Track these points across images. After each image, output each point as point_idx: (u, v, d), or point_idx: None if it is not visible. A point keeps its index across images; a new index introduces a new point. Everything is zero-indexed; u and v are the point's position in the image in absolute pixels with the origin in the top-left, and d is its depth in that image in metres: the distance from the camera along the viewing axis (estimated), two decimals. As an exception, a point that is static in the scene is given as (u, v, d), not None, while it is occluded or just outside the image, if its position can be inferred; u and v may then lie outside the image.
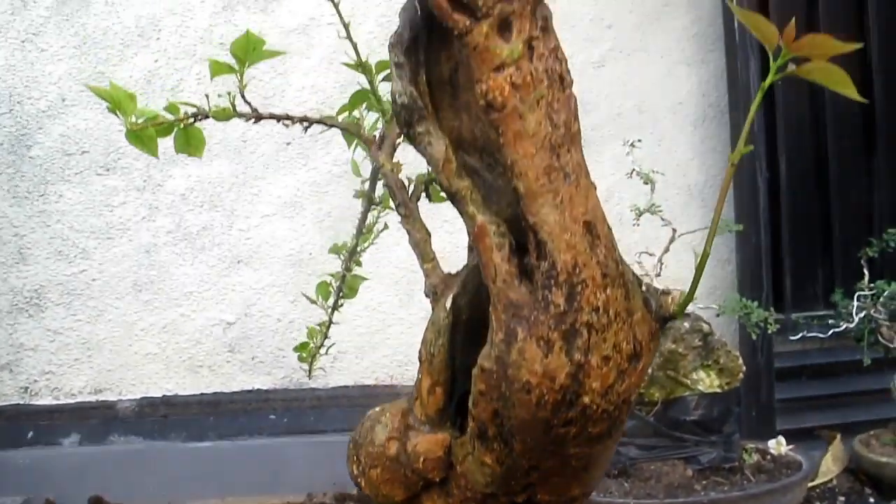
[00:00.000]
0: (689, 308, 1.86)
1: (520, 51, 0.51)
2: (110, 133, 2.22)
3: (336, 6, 0.83)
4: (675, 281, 2.42)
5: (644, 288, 0.66)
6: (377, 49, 2.13)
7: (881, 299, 1.91)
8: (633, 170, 1.80)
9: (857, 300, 1.94)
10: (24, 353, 2.21)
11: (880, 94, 2.36)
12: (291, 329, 2.27)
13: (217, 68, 0.90)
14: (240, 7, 2.27)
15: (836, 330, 1.93)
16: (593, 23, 2.42)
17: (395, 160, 0.75)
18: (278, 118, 0.90)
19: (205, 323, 2.26)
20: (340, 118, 0.93)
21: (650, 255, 1.91)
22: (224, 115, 0.88)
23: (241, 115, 0.89)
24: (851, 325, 1.92)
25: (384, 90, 0.90)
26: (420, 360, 0.70)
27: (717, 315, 1.96)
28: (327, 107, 2.26)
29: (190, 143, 0.90)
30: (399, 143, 0.79)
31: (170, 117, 0.88)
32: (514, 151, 0.53)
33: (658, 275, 1.93)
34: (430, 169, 0.65)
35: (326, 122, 0.86)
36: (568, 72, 0.57)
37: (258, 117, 0.90)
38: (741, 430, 2.27)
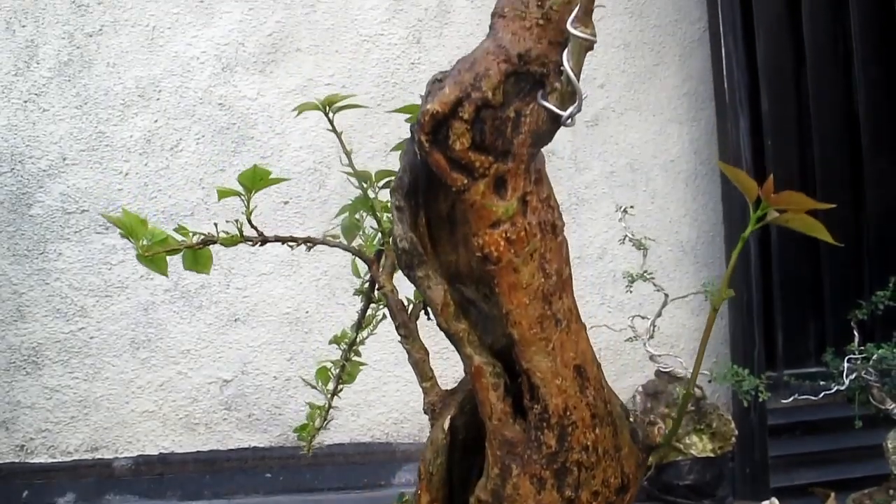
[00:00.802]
0: (682, 372, 1.88)
1: (514, 208, 0.54)
2: (110, 192, 2.26)
3: (339, 136, 0.85)
4: (668, 337, 2.45)
5: (632, 419, 0.68)
6: (373, 110, 2.17)
7: (871, 361, 1.93)
8: (626, 236, 1.82)
9: (848, 362, 1.95)
10: (20, 411, 2.22)
11: (868, 154, 2.40)
12: (288, 387, 2.29)
13: (223, 193, 0.92)
14: (239, 68, 2.31)
15: (828, 392, 1.95)
16: (586, 82, 2.43)
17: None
18: (283, 240, 0.92)
19: (202, 381, 2.27)
20: (340, 219, 0.94)
21: (643, 318, 1.94)
22: (231, 242, 0.91)
23: (247, 240, 0.91)
24: (843, 388, 1.94)
25: (384, 196, 0.92)
26: (419, 477, 0.72)
27: (709, 381, 1.98)
28: (324, 166, 2.31)
29: (198, 262, 0.93)
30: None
31: (179, 238, 0.90)
32: (508, 302, 0.56)
33: (651, 337, 1.96)
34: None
35: (329, 242, 0.88)
36: (560, 216, 0.60)
37: (264, 241, 0.92)
38: (734, 488, 2.29)
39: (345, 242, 0.88)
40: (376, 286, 0.86)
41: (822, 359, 2.16)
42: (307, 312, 2.29)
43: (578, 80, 0.57)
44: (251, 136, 2.31)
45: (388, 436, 2.33)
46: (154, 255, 0.87)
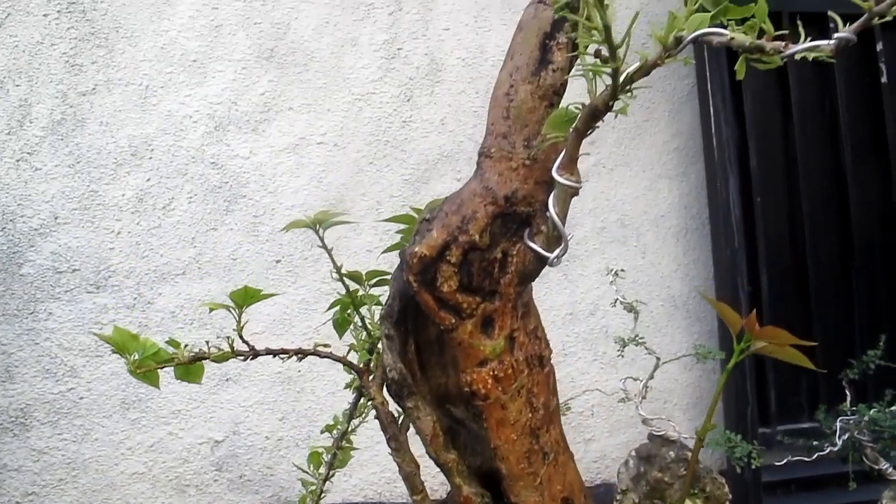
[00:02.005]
0: (675, 435, 1.88)
1: (502, 346, 0.54)
2: (101, 251, 2.25)
3: (329, 252, 0.86)
4: (661, 392, 2.44)
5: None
6: (365, 168, 2.18)
7: (863, 422, 1.93)
8: (617, 299, 1.82)
9: (840, 422, 1.95)
10: (7, 475, 2.19)
11: (856, 212, 2.41)
12: (280, 447, 2.28)
13: (213, 306, 0.92)
14: (231, 127, 2.32)
15: (821, 453, 1.95)
16: (577, 139, 2.48)
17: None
18: (274, 353, 0.92)
19: (192, 441, 2.25)
20: (332, 312, 0.94)
21: (635, 380, 1.94)
22: (223, 358, 0.91)
23: (238, 355, 0.91)
24: (836, 448, 1.93)
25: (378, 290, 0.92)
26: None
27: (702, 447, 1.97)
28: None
29: (189, 373, 0.92)
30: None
31: (171, 350, 0.90)
32: (496, 437, 0.56)
33: (643, 398, 1.95)
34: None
35: (320, 353, 0.88)
36: (547, 345, 0.60)
37: (255, 355, 0.92)
38: (730, 546, 2.28)
39: (335, 354, 0.88)
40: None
41: (815, 416, 2.17)
42: (299, 371, 2.28)
43: (564, 224, 0.58)
44: (243, 194, 2.31)
45: (380, 496, 2.31)
46: (146, 371, 0.86)
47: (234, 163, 2.31)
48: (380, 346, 0.81)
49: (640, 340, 1.79)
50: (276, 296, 1.03)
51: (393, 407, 0.77)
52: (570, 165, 0.56)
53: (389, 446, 0.73)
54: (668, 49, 0.53)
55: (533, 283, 0.64)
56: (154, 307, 2.26)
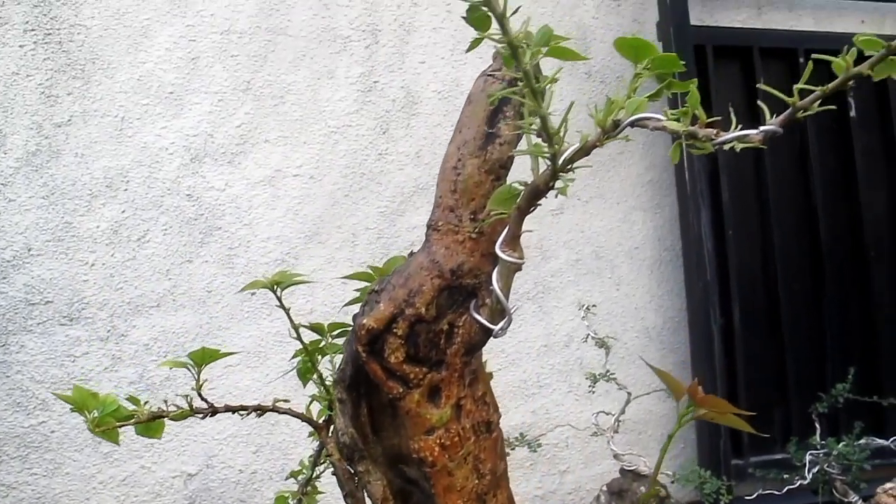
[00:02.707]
0: (646, 470, 1.89)
1: (448, 415, 0.55)
2: (75, 283, 2.25)
3: (287, 311, 0.87)
4: (635, 424, 2.45)
5: None
6: (340, 201, 2.17)
7: (832, 456, 1.95)
8: (588, 335, 1.84)
9: (810, 455, 1.97)
10: (-22, 509, 2.17)
11: (826, 245, 2.45)
12: (254, 480, 2.27)
13: (174, 364, 0.92)
14: (207, 159, 2.33)
15: (791, 487, 1.96)
16: (551, 171, 2.50)
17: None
18: (233, 410, 0.92)
19: (165, 475, 2.24)
20: (295, 361, 0.95)
21: (607, 414, 1.95)
22: (181, 416, 0.91)
23: (197, 413, 0.91)
24: (805, 482, 1.95)
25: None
26: None
27: (672, 482, 1.99)
28: (292, 257, 2.32)
29: (150, 430, 0.93)
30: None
31: (131, 407, 0.90)
32: (443, 503, 0.57)
33: (616, 432, 1.96)
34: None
35: (279, 410, 0.89)
36: (496, 410, 0.61)
37: (214, 412, 0.92)
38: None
39: (293, 410, 0.88)
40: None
41: (787, 448, 2.18)
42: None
43: (508, 298, 0.59)
44: (219, 226, 2.32)
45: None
46: (106, 429, 0.86)
47: (210, 195, 2.32)
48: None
49: (610, 376, 1.81)
50: (234, 354, 1.03)
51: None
52: (513, 242, 0.57)
53: (346, 502, 0.73)
54: (606, 132, 0.55)
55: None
56: (128, 340, 2.26)
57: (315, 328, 0.94)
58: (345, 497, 0.74)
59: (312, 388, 1.00)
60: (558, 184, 0.59)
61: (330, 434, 0.79)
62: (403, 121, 2.43)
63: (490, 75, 0.66)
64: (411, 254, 0.77)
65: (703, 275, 2.33)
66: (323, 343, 0.93)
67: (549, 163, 0.57)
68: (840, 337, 2.48)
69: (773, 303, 2.46)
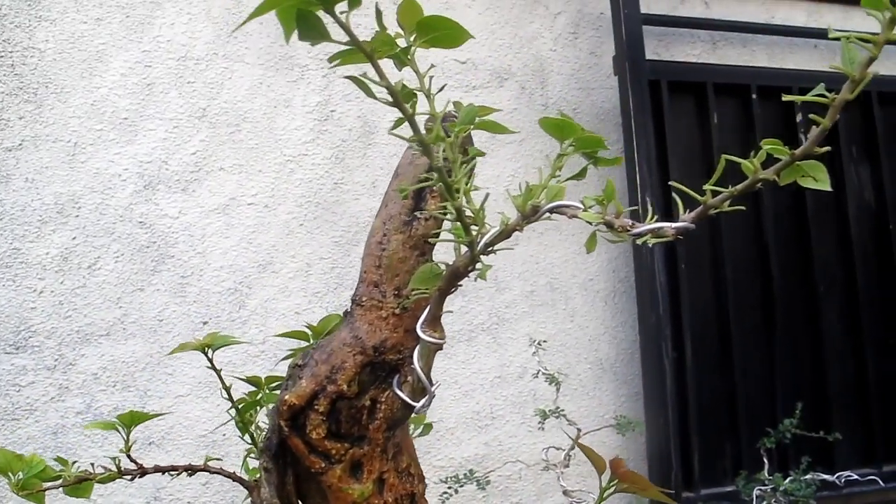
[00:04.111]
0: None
1: (370, 490, 0.55)
2: (23, 310, 2.20)
3: (218, 373, 0.86)
4: (586, 462, 2.46)
5: None
6: (295, 230, 2.15)
7: (779, 492, 1.97)
8: (539, 371, 1.85)
9: (758, 490, 1.99)
10: (-85, 543, 2.11)
11: (777, 279, 2.48)
12: (201, 512, 2.23)
13: (100, 426, 0.91)
14: (160, 186, 2.30)
15: (739, 522, 1.98)
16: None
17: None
18: (163, 470, 0.91)
19: (111, 508, 2.20)
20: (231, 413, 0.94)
21: (557, 449, 1.96)
22: (109, 479, 0.90)
23: (125, 475, 0.90)
24: (753, 517, 1.97)
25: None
26: None
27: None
28: (245, 286, 2.30)
29: (78, 490, 0.91)
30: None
31: (57, 468, 0.88)
32: (366, 581, 0.56)
33: (566, 466, 1.97)
34: None
35: (210, 469, 0.88)
36: (421, 480, 0.61)
37: (143, 473, 0.91)
38: None
39: (225, 470, 0.87)
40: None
41: (736, 483, 2.20)
42: (224, 435, 2.25)
43: (429, 378, 0.59)
44: (171, 254, 2.29)
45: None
46: (30, 486, 0.84)
47: (163, 222, 2.29)
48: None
49: (560, 412, 1.81)
50: (163, 415, 1.01)
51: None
52: (434, 322, 0.58)
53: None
54: (526, 216, 0.55)
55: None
56: (76, 369, 2.22)
57: (251, 381, 0.93)
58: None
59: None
60: (478, 266, 0.59)
61: (260, 495, 0.78)
62: (360, 150, 2.43)
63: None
64: (346, 314, 0.77)
65: (656, 308, 2.35)
66: (260, 395, 0.92)
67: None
68: (790, 372, 2.52)
69: (725, 337, 2.49)
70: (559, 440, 2.19)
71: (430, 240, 0.65)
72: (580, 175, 0.56)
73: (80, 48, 2.29)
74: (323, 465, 0.55)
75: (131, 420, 0.88)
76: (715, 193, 0.51)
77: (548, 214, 0.55)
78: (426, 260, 0.67)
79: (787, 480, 1.95)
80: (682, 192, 0.52)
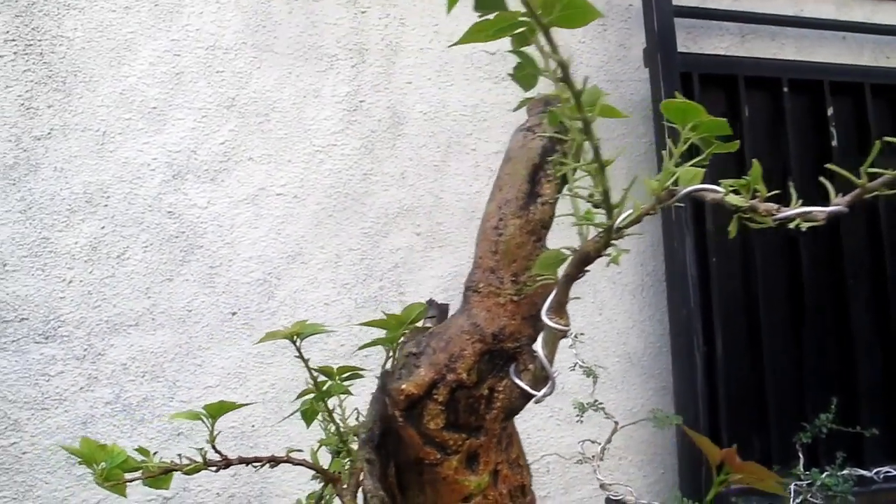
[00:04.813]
0: (632, 500, 1.88)
1: (486, 481, 0.54)
2: (52, 300, 2.19)
3: (306, 363, 0.84)
4: (616, 449, 2.45)
5: None
6: (325, 221, 2.14)
7: (816, 486, 1.95)
8: (576, 363, 1.83)
9: (794, 486, 1.98)
10: (-55, 532, 2.11)
11: (807, 273, 2.47)
12: (232, 503, 2.23)
13: (185, 416, 0.89)
14: (189, 176, 2.29)
15: (775, 517, 1.97)
16: (536, 195, 2.50)
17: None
18: (246, 461, 0.89)
19: (140, 498, 2.19)
20: (300, 402, 0.93)
21: (592, 442, 1.94)
22: (195, 470, 0.88)
23: (210, 466, 0.88)
24: (789, 512, 1.96)
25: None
26: None
27: (660, 513, 1.99)
28: (274, 277, 2.28)
29: (158, 482, 0.89)
30: (363, 481, 0.80)
31: (139, 458, 0.87)
32: (480, 575, 0.55)
33: (601, 459, 1.96)
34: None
35: (293, 461, 0.86)
36: (529, 472, 0.59)
37: (227, 464, 0.89)
38: None
39: (307, 461, 0.86)
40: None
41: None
42: (253, 426, 2.24)
43: (552, 365, 0.58)
44: (200, 244, 2.28)
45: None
46: (112, 477, 0.83)
47: (192, 212, 2.28)
48: (353, 446, 0.80)
49: (598, 406, 1.80)
50: (247, 406, 1.00)
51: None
52: (559, 309, 0.56)
53: (363, 559, 0.71)
54: (661, 200, 0.54)
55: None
56: (105, 359, 2.21)
57: (324, 371, 0.92)
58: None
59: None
60: (610, 251, 0.57)
61: (345, 486, 0.77)
62: (389, 141, 2.41)
63: (529, 130, 0.64)
64: (430, 303, 0.75)
65: (687, 302, 2.34)
66: (327, 386, 0.90)
67: (599, 229, 0.56)
68: (819, 365, 2.50)
69: (755, 330, 2.47)
70: (587, 433, 2.18)
71: (547, 224, 0.64)
72: (703, 160, 0.54)
73: (109, 37, 2.28)
74: (438, 456, 0.54)
75: (219, 410, 0.86)
76: (872, 177, 0.50)
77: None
78: (542, 246, 0.66)
79: (825, 475, 1.93)
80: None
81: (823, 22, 2.85)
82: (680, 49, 2.56)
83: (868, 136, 2.66)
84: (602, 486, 1.86)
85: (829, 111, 2.63)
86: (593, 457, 1.89)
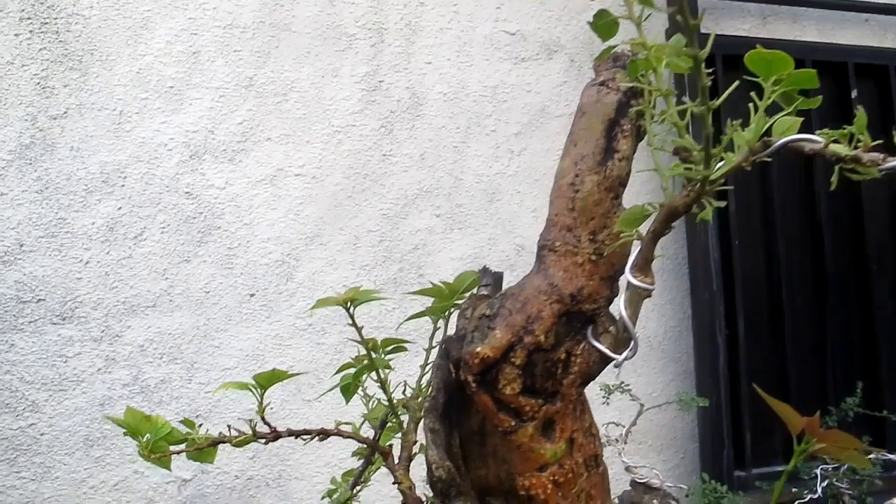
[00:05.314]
0: (657, 483, 1.86)
1: (563, 450, 0.51)
2: (69, 281, 2.17)
3: (359, 331, 0.81)
4: (636, 433, 2.42)
5: None
6: (343, 202, 2.11)
7: (842, 470, 1.93)
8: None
9: (820, 470, 1.96)
10: (-38, 513, 2.10)
11: (830, 255, 2.44)
12: (250, 486, 2.21)
13: (234, 386, 0.87)
14: (207, 156, 2.26)
15: (801, 501, 1.94)
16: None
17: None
18: (296, 434, 0.87)
19: (159, 480, 2.17)
20: (339, 377, 0.90)
21: (616, 425, 1.92)
22: (244, 443, 0.85)
23: (259, 438, 0.85)
24: (815, 496, 1.94)
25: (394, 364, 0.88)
26: None
27: (686, 496, 1.96)
28: (293, 258, 2.26)
29: (202, 453, 0.87)
30: (415, 455, 0.77)
31: (184, 430, 0.84)
32: (554, 545, 0.53)
33: (625, 442, 1.93)
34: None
35: (343, 434, 0.84)
36: (600, 441, 0.57)
37: (276, 437, 0.87)
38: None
39: (360, 435, 0.83)
40: (376, 454, 0.82)
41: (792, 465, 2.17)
42: (271, 409, 2.21)
43: (634, 326, 0.56)
44: (218, 226, 2.25)
45: (352, 537, 2.26)
46: (159, 456, 0.80)
47: (209, 193, 2.26)
48: (405, 425, 0.77)
49: (625, 388, 1.78)
50: (301, 374, 0.98)
51: (420, 491, 0.73)
52: (645, 267, 0.54)
53: (416, 533, 0.69)
54: (754, 152, 0.51)
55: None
56: (122, 340, 2.19)
57: (367, 344, 0.89)
58: (415, 528, 0.69)
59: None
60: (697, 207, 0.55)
61: (397, 461, 0.74)
62: (408, 122, 2.38)
63: (602, 84, 0.62)
64: (483, 270, 0.73)
65: (710, 284, 2.31)
66: (372, 358, 0.88)
67: (686, 183, 0.53)
68: (841, 350, 2.48)
69: (777, 314, 2.45)
70: (611, 416, 2.16)
71: (625, 181, 0.61)
72: (792, 112, 0.52)
73: (126, 15, 2.25)
74: (513, 423, 0.51)
75: (269, 380, 0.84)
76: None
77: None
78: (620, 203, 0.64)
79: (851, 459, 1.91)
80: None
81: (845, 4, 2.81)
82: (702, 30, 2.52)
83: (892, 117, 2.63)
84: (627, 469, 1.83)
85: (853, 93, 2.59)
86: (617, 439, 1.86)
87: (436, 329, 0.80)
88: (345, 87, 2.35)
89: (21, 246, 2.17)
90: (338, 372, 0.92)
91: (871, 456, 2.01)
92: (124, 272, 2.20)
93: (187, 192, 2.24)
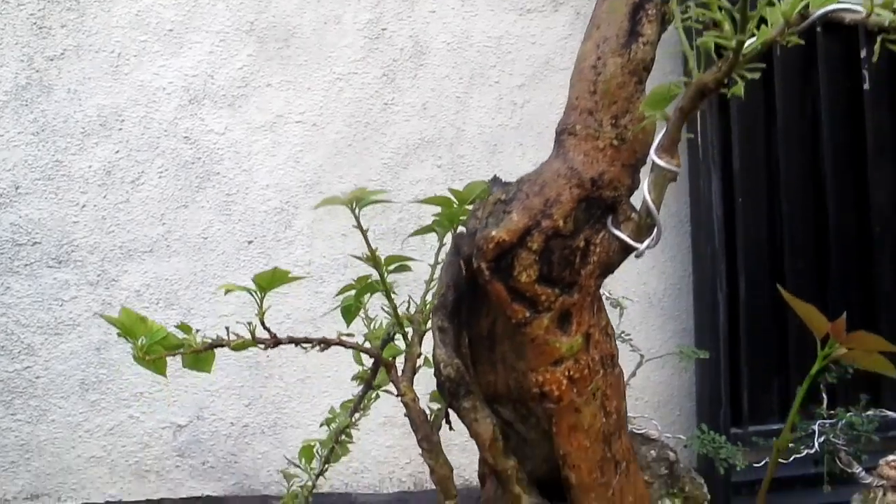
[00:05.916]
0: (655, 434, 1.86)
1: (579, 344, 0.50)
2: (65, 224, 2.15)
3: (364, 233, 0.79)
4: (633, 390, 2.42)
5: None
6: (343, 150, 2.10)
7: (839, 426, 1.93)
8: (604, 294, 1.79)
9: (818, 425, 1.95)
10: (-43, 454, 2.09)
11: (833, 214, 2.42)
12: (245, 433, 2.21)
13: (232, 288, 0.85)
14: (206, 101, 2.23)
15: (798, 456, 1.94)
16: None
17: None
18: (296, 342, 0.85)
19: (154, 425, 2.17)
20: (340, 298, 0.88)
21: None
22: (242, 346, 0.84)
23: (259, 343, 0.84)
24: (812, 451, 1.93)
25: (393, 278, 0.86)
26: None
27: (685, 447, 1.96)
28: (292, 206, 2.24)
29: (199, 360, 0.85)
30: (420, 368, 0.76)
31: (181, 335, 0.83)
32: (567, 443, 0.51)
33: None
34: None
35: (345, 343, 0.82)
36: (616, 344, 0.55)
37: (276, 343, 0.85)
38: (698, 547, 2.26)
39: (359, 344, 0.82)
40: (376, 378, 0.80)
41: (787, 417, 2.16)
42: (268, 357, 2.21)
43: (659, 212, 0.54)
44: (216, 171, 2.23)
45: (346, 486, 2.26)
46: (154, 359, 0.78)
47: (208, 138, 2.23)
48: (410, 337, 0.76)
49: (625, 337, 1.76)
50: (301, 278, 0.96)
51: (423, 404, 0.71)
52: (671, 147, 0.51)
53: (421, 447, 0.67)
54: (791, 25, 0.49)
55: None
56: (118, 285, 2.17)
57: (370, 261, 0.87)
58: (419, 442, 0.68)
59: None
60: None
61: (402, 372, 0.73)
62: (411, 71, 2.35)
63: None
64: (494, 180, 0.71)
65: (711, 242, 2.29)
66: (373, 279, 0.86)
67: (716, 59, 0.51)
68: (842, 311, 2.46)
69: (779, 274, 2.43)
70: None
71: (649, 66, 0.59)
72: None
73: (125, -46, 2.20)
74: (528, 314, 0.50)
75: (270, 282, 0.82)
76: None
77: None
78: (643, 88, 0.61)
79: (850, 415, 1.90)
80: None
81: (857, -38, 2.77)
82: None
83: (900, 78, 2.59)
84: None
85: (863, 54, 2.56)
86: (616, 391, 1.86)
87: (441, 246, 0.78)
88: (347, 34, 2.31)
89: (17, 188, 2.15)
90: (340, 293, 0.91)
91: (870, 413, 2.00)
92: (121, 216, 2.18)
93: (186, 137, 2.22)
